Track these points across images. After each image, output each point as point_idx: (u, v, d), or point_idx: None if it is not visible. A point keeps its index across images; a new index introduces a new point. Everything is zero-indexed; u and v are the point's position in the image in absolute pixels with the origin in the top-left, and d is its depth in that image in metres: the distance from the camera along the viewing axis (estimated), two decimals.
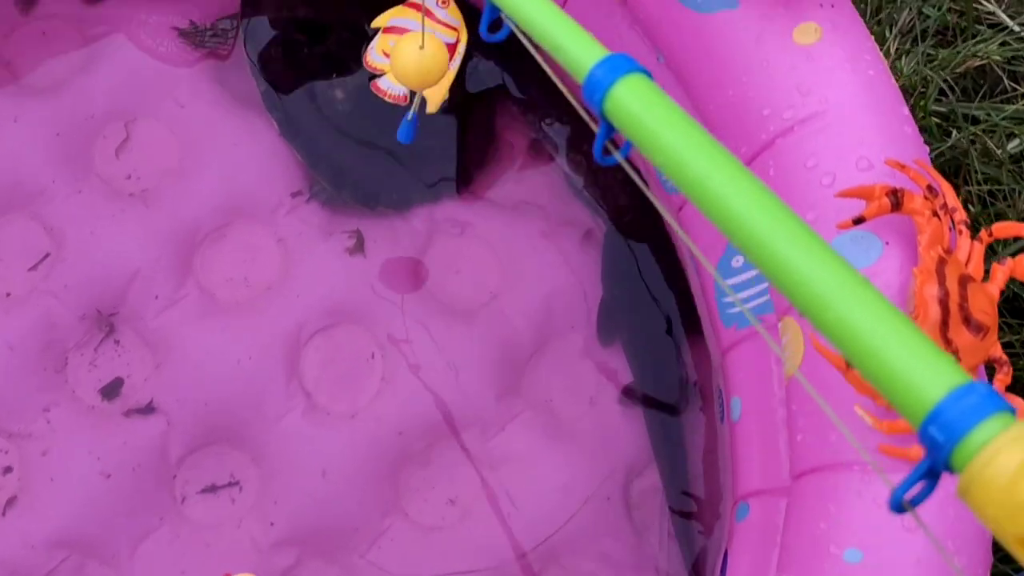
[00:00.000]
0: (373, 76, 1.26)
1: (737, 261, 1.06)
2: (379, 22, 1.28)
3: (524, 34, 0.63)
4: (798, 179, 0.92)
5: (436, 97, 1.25)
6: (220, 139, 1.30)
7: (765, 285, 1.02)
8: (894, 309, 0.41)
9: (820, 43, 0.92)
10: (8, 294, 1.23)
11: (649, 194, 0.59)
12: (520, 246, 1.29)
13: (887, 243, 0.87)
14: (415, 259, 1.27)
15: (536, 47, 0.63)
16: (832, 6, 0.93)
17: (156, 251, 1.25)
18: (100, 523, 1.17)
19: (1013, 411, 0.42)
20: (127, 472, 1.19)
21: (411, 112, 1.04)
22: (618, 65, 0.53)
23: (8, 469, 1.19)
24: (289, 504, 1.19)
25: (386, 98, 1.25)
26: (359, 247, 1.26)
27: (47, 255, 1.25)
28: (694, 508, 1.19)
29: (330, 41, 1.31)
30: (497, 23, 0.68)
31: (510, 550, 1.19)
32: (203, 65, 1.33)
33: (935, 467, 0.40)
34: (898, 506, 0.42)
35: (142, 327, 1.23)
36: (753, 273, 1.04)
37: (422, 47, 1.05)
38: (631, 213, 1.29)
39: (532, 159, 1.32)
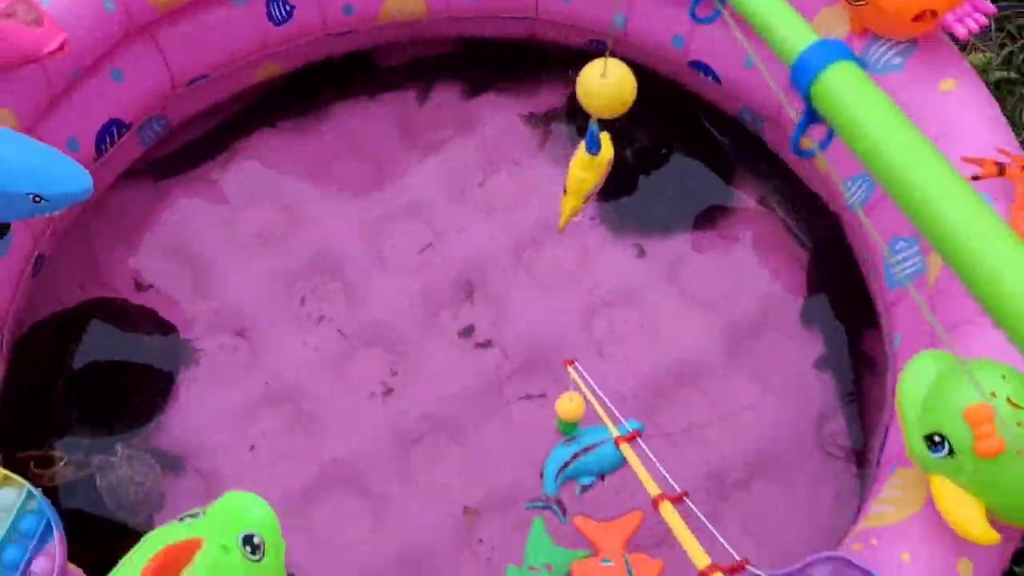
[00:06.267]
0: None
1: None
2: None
3: (732, 15, 0.66)
4: None
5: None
6: None
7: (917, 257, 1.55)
8: None
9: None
10: (406, 270, 1.89)
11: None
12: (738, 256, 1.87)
13: (995, 198, 1.40)
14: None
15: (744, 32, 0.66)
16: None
17: (500, 244, 1.90)
18: (454, 409, 1.74)
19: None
20: (472, 381, 1.77)
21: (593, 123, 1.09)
22: (831, 50, 0.53)
23: (394, 372, 1.79)
24: None
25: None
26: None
27: (430, 244, 1.90)
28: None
29: None
30: (707, 7, 0.72)
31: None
32: None
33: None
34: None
35: (492, 292, 1.85)
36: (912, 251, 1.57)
37: (603, 74, 1.01)
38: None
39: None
